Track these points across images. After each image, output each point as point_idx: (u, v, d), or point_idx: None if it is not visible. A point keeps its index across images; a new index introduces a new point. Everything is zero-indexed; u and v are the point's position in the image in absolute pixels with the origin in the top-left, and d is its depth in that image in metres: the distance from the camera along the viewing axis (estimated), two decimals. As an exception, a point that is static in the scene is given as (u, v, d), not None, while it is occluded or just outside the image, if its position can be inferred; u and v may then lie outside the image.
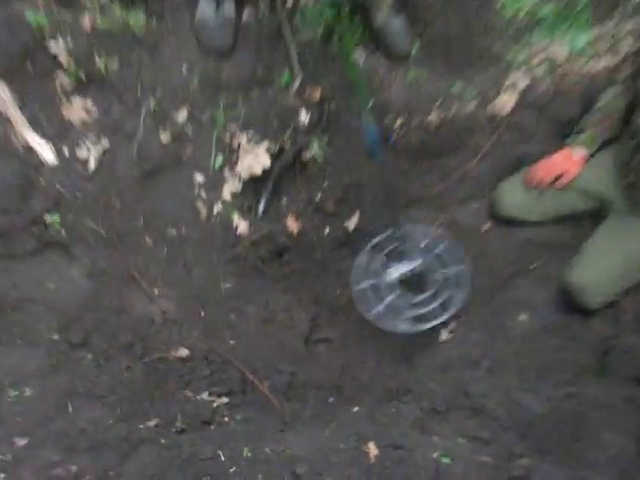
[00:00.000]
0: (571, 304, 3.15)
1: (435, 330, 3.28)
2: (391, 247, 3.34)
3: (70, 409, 2.52)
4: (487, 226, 3.45)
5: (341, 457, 2.36)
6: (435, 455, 2.40)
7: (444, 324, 3.30)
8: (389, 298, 3.20)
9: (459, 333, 3.26)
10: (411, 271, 3.26)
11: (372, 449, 2.42)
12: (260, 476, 2.28)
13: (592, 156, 3.27)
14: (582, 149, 3.26)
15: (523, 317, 3.25)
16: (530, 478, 2.38)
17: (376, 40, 3.47)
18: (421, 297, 3.22)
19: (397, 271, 3.27)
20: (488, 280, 3.37)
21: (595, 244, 3.18)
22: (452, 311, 3.19)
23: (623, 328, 3.01)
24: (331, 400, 3.01)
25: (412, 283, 3.27)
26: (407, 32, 3.48)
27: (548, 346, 3.10)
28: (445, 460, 2.38)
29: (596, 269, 3.08)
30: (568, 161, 3.27)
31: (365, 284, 3.24)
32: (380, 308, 3.19)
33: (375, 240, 3.37)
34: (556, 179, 3.28)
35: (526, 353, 3.08)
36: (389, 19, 3.42)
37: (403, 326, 3.15)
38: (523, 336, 3.17)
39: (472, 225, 3.49)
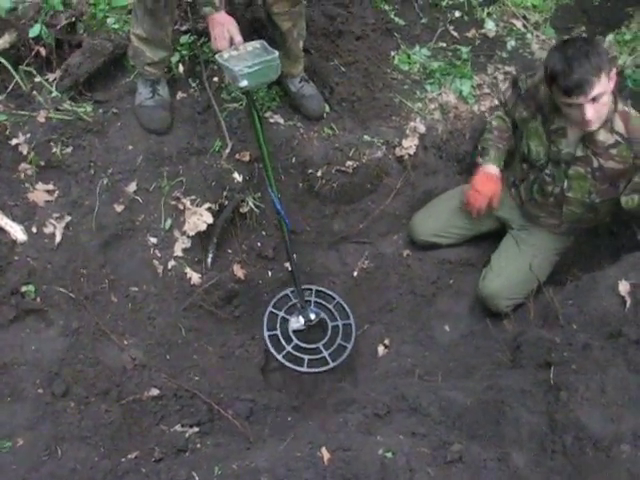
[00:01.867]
0: (486, 310, 3.30)
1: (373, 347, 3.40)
2: (291, 303, 3.43)
3: (59, 452, 2.59)
4: (407, 252, 3.59)
5: (298, 463, 2.44)
6: (380, 452, 2.48)
7: (382, 342, 3.42)
8: (291, 345, 3.30)
9: (394, 347, 3.37)
10: (305, 323, 3.35)
11: (325, 453, 2.50)
12: (231, 489, 2.37)
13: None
14: (494, 166, 3.33)
15: (446, 327, 3.40)
16: (463, 460, 2.49)
17: (293, 105, 3.63)
18: (314, 346, 3.33)
19: (296, 323, 3.36)
20: (413, 299, 3.49)
21: (500, 257, 3.33)
22: (338, 361, 3.29)
23: (529, 324, 3.16)
24: (289, 419, 3.07)
25: (309, 333, 3.36)
26: (319, 96, 3.64)
27: (469, 349, 3.23)
28: (388, 455, 2.46)
29: (502, 278, 3.24)
30: (490, 183, 3.32)
31: (274, 331, 3.34)
32: (286, 351, 3.30)
33: (280, 295, 3.47)
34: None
35: (451, 358, 3.21)
36: (302, 87, 3.59)
37: (302, 369, 3.25)
38: (448, 344, 3.31)
39: (394, 253, 3.62)
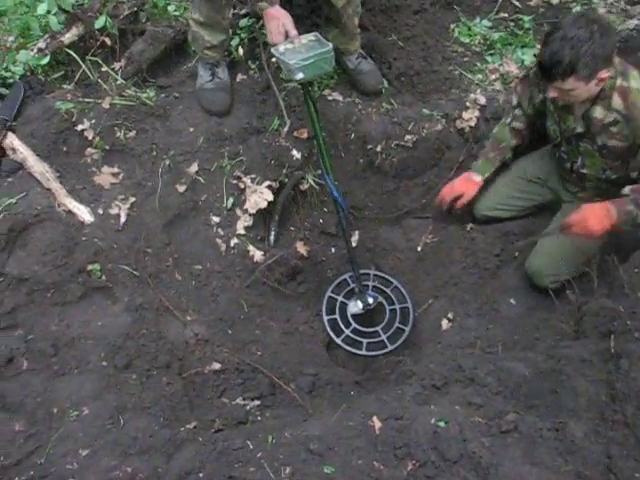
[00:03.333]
0: (533, 286, 3.22)
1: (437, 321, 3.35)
2: (349, 287, 3.41)
3: (122, 422, 2.65)
4: (470, 226, 3.51)
5: (349, 432, 2.43)
6: (433, 421, 2.45)
7: (445, 316, 3.37)
8: (350, 328, 3.28)
9: (457, 321, 3.31)
10: (364, 308, 3.32)
11: (376, 422, 2.49)
12: (281, 456, 2.37)
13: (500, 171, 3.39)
14: (478, 175, 3.34)
15: (512, 300, 3.31)
16: (518, 430, 2.43)
17: (351, 81, 3.61)
18: (372, 329, 3.31)
19: (355, 307, 3.34)
20: (477, 272, 3.41)
21: (547, 232, 3.24)
22: (396, 344, 3.26)
23: (593, 294, 3.05)
24: (352, 393, 3.06)
25: (366, 317, 3.33)
26: (376, 71, 3.60)
27: (533, 322, 3.15)
28: (441, 424, 2.43)
29: (545, 255, 3.16)
30: (467, 183, 3.36)
31: (333, 315, 3.33)
32: (345, 335, 3.28)
33: (338, 280, 3.45)
34: (456, 199, 3.36)
35: (515, 330, 3.13)
36: (359, 63, 3.56)
37: (361, 352, 3.23)
38: (512, 317, 3.23)
39: (458, 227, 3.55)
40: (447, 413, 2.50)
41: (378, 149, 3.52)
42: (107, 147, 3.27)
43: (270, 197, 3.33)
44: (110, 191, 3.24)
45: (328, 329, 3.25)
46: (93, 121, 3.27)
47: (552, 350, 2.88)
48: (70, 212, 3.12)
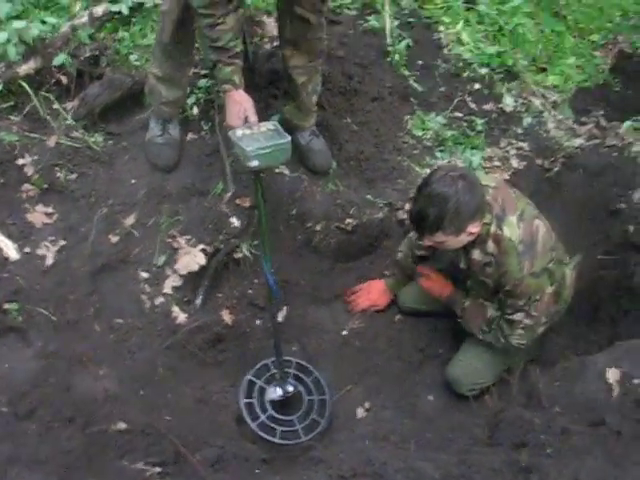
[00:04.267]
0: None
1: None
2: (270, 373, 3.33)
3: (13, 474, 2.54)
4: (398, 317, 3.53)
5: (248, 516, 2.39)
6: (332, 516, 2.42)
7: (362, 405, 3.35)
8: (266, 414, 3.20)
9: (373, 411, 3.29)
10: (283, 395, 3.24)
11: (275, 511, 2.44)
12: (176, 531, 2.30)
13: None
14: (389, 288, 3.51)
15: (430, 397, 3.32)
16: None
17: (300, 157, 3.63)
18: (288, 417, 3.22)
19: (273, 393, 3.25)
20: (400, 364, 3.42)
21: (466, 341, 3.28)
22: (311, 435, 3.16)
23: (511, 402, 3.08)
24: (257, 471, 3.00)
25: (283, 405, 3.26)
26: (327, 151, 3.65)
27: (449, 422, 3.16)
28: (341, 520, 2.40)
29: (466, 364, 3.20)
30: (380, 294, 3.52)
31: (252, 399, 3.24)
32: (261, 420, 3.18)
33: (259, 364, 3.35)
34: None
35: (429, 428, 3.13)
36: (311, 140, 3.60)
37: (274, 439, 3.13)
38: (428, 414, 3.23)
39: (386, 317, 3.56)
40: (351, 512, 2.48)
41: (317, 228, 3.54)
42: (45, 186, 3.24)
43: (202, 261, 3.31)
44: (41, 231, 3.19)
45: (244, 413, 3.18)
46: (35, 157, 3.25)
47: (464, 455, 2.88)
48: (-4, 246, 3.04)
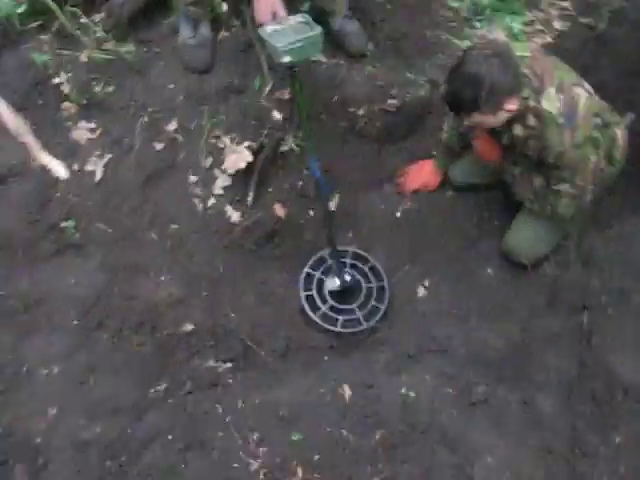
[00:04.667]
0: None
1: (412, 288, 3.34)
2: (326, 264, 3.35)
3: (91, 382, 2.66)
4: (450, 194, 3.50)
5: (319, 399, 2.46)
6: (403, 391, 2.47)
7: (421, 283, 3.36)
8: (326, 305, 3.23)
9: (433, 289, 3.31)
10: (341, 285, 3.26)
11: (346, 390, 2.51)
12: (249, 421, 2.39)
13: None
14: (440, 168, 3.47)
15: (489, 270, 3.31)
16: (487, 402, 2.45)
17: (335, 43, 3.55)
18: (348, 306, 3.25)
19: (332, 284, 3.28)
20: (456, 240, 3.40)
21: (521, 211, 3.24)
22: (372, 322, 3.17)
23: (569, 267, 3.07)
24: (325, 358, 3.07)
25: (342, 294, 3.28)
26: (362, 33, 3.55)
27: (509, 292, 3.16)
28: (411, 394, 2.45)
29: (521, 234, 3.18)
30: (431, 175, 3.49)
31: (311, 291, 3.28)
32: (322, 311, 3.21)
33: (316, 256, 3.38)
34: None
35: (490, 300, 3.14)
36: (345, 23, 3.51)
37: (336, 329, 3.15)
38: (487, 287, 3.23)
39: (438, 195, 3.53)
40: (417, 383, 2.53)
41: (360, 112, 3.48)
42: (84, 102, 3.23)
43: (249, 158, 3.28)
44: (86, 147, 3.21)
45: (305, 305, 3.23)
46: (70, 74, 3.23)
47: (525, 323, 2.91)
48: (45, 167, 3.06)
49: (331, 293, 3.27)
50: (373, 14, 3.62)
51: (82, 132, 3.21)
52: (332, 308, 3.23)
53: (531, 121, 2.73)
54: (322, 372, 2.66)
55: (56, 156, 3.06)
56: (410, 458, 2.25)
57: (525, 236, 3.14)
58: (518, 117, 2.73)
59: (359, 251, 3.43)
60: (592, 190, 2.93)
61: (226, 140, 3.30)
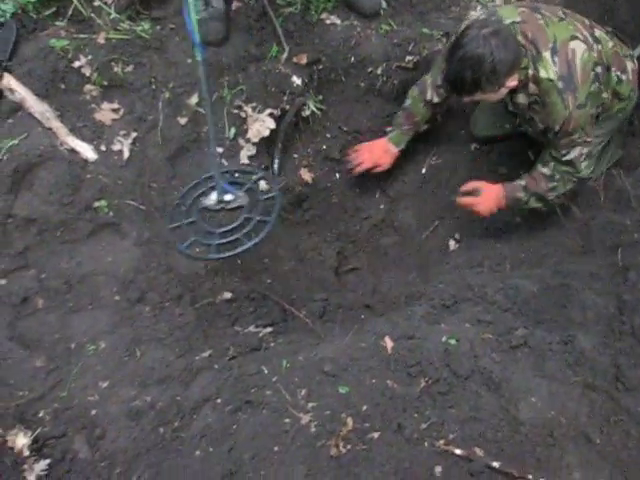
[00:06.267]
0: None
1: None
2: (205, 188, 3.14)
3: (138, 353, 2.72)
4: (474, 146, 3.51)
5: (362, 353, 2.49)
6: (444, 339, 2.50)
7: (452, 237, 3.39)
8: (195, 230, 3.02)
9: (464, 241, 3.34)
10: (219, 204, 3.06)
11: (388, 342, 2.54)
12: (296, 379, 2.43)
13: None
14: (394, 145, 3.38)
15: (517, 219, 3.33)
16: (528, 344, 2.48)
17: (348, 4, 3.56)
18: (227, 228, 3.00)
19: (207, 201, 3.08)
20: (483, 192, 3.42)
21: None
22: (257, 239, 2.89)
23: (600, 208, 3.07)
24: (362, 316, 3.11)
25: (220, 215, 3.12)
26: (374, -8, 3.56)
27: (541, 239, 3.17)
28: (452, 342, 2.48)
29: None
30: (385, 155, 3.39)
31: (179, 222, 3.06)
32: (190, 240, 2.99)
33: (192, 183, 3.19)
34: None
35: (522, 248, 3.16)
36: (355, -17, 3.51)
37: (212, 255, 2.95)
38: (518, 235, 3.25)
39: (462, 148, 3.55)
40: (457, 331, 2.56)
41: (379, 72, 3.49)
42: (105, 83, 3.26)
43: (272, 125, 3.33)
44: (111, 127, 3.24)
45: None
46: (89, 57, 3.26)
47: (560, 266, 2.92)
48: (73, 150, 3.14)
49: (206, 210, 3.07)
50: (385, -30, 3.61)
51: (106, 113, 3.24)
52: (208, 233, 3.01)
53: (532, 88, 2.74)
54: (362, 329, 2.69)
55: (83, 139, 3.15)
56: (456, 403, 2.28)
57: None
58: (520, 87, 2.75)
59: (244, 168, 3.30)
60: (604, 134, 2.93)
61: (248, 109, 3.33)
